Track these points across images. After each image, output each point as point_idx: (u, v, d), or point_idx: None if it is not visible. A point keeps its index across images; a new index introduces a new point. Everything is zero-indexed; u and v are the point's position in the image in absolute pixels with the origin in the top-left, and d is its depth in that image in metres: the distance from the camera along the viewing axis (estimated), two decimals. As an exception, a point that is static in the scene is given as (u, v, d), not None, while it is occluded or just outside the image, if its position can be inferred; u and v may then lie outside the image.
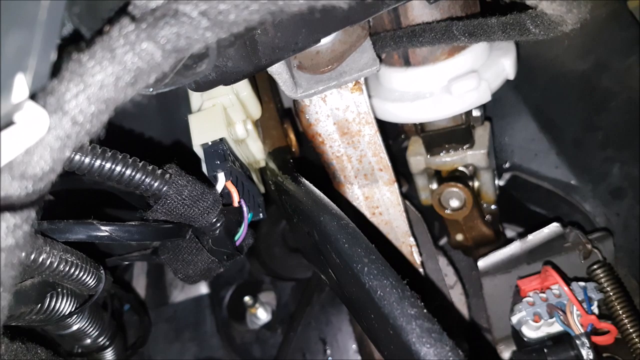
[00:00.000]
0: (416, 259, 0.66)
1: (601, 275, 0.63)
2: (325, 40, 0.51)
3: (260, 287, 0.86)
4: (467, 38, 0.48)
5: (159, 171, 0.44)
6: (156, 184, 0.43)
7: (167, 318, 0.83)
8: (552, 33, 0.41)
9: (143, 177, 0.42)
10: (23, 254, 0.25)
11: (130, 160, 0.41)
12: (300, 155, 0.71)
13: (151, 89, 0.30)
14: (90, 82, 0.24)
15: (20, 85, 0.22)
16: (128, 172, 0.41)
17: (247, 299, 0.83)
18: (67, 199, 0.49)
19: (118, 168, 0.40)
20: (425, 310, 0.38)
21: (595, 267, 0.63)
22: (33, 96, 0.23)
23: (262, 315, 0.83)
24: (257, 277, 0.87)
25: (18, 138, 0.23)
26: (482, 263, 0.69)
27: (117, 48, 0.24)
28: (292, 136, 0.70)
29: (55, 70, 0.24)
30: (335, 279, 0.49)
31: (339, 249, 0.43)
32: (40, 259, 0.37)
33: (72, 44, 0.25)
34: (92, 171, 0.38)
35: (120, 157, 0.40)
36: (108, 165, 0.39)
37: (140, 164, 0.42)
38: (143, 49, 0.24)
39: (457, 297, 0.73)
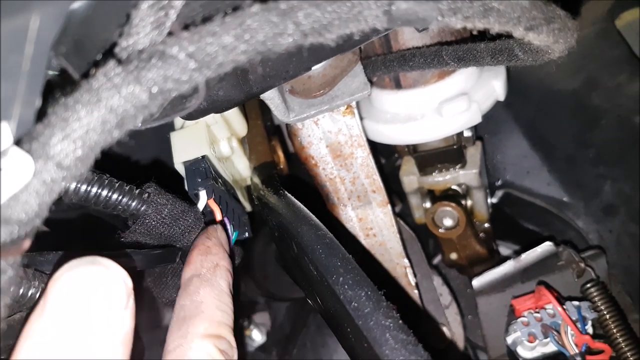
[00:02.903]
0: (411, 280, 0.65)
1: (595, 294, 0.63)
2: (316, 66, 0.51)
3: (255, 308, 0.85)
4: (456, 63, 0.48)
5: (137, 190, 0.43)
6: (134, 204, 0.42)
7: (161, 341, 0.82)
8: (540, 60, 0.41)
9: (120, 197, 0.42)
10: (8, 298, 0.25)
11: (107, 181, 0.41)
12: (293, 176, 0.71)
13: (140, 124, 0.30)
14: (76, 127, 0.24)
15: (5, 133, 0.22)
16: (104, 193, 0.40)
17: (240, 320, 0.82)
18: (57, 229, 0.48)
19: (94, 190, 0.40)
20: (400, 322, 0.37)
21: (588, 285, 0.63)
22: (18, 142, 0.23)
23: (257, 336, 0.82)
24: (252, 298, 0.86)
25: (3, 184, 0.23)
26: (476, 282, 0.69)
27: (103, 91, 0.24)
28: (280, 153, 0.70)
29: (41, 114, 0.24)
30: (314, 293, 0.48)
31: (316, 259, 0.42)
32: (29, 294, 0.37)
33: (59, 87, 0.24)
34: (67, 194, 0.38)
35: (95, 178, 0.40)
36: (84, 187, 0.39)
37: (117, 184, 0.42)
38: (129, 92, 0.24)
39: (453, 317, 0.73)
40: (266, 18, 0.26)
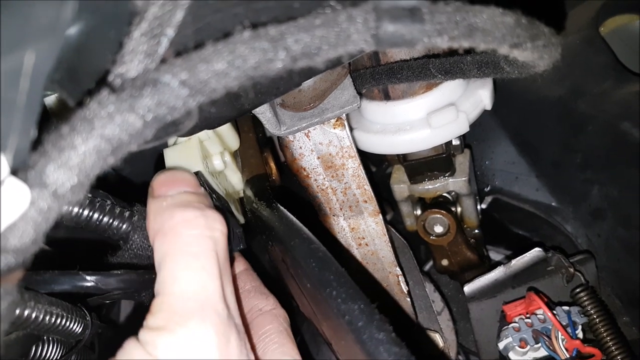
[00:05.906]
0: (403, 288, 0.66)
1: (584, 298, 0.64)
2: (307, 81, 0.52)
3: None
4: (443, 75, 0.49)
5: (127, 213, 0.44)
6: (123, 227, 0.43)
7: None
8: (525, 73, 0.42)
9: (110, 221, 0.42)
10: (6, 324, 0.25)
11: (98, 204, 0.42)
12: (285, 187, 0.71)
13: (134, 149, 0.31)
14: (71, 155, 0.24)
15: (2, 164, 0.22)
16: (95, 216, 0.41)
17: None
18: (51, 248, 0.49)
19: (85, 213, 0.41)
20: (394, 334, 0.37)
21: (578, 290, 0.64)
22: (15, 171, 0.24)
23: (251, 345, 0.82)
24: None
25: (1, 214, 0.23)
26: (468, 288, 0.69)
27: (97, 120, 0.24)
28: (272, 164, 0.70)
29: (37, 143, 0.25)
30: (307, 305, 0.49)
31: (309, 273, 0.43)
32: (25, 314, 0.37)
33: (54, 114, 0.25)
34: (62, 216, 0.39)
35: (87, 201, 0.41)
36: (76, 210, 0.40)
37: (108, 208, 0.42)
38: (123, 120, 0.24)
39: (445, 323, 0.73)
40: (257, 44, 0.26)
